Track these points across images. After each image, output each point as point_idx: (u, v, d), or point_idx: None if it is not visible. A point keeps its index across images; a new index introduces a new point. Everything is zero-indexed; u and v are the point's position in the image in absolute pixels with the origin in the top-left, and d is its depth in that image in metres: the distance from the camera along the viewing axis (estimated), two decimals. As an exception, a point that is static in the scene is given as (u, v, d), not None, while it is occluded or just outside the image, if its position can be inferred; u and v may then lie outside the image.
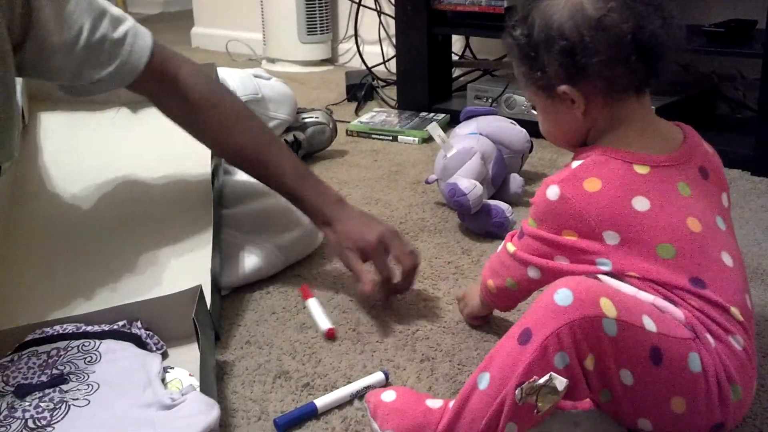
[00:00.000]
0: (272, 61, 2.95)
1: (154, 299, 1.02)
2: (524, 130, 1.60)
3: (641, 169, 0.85)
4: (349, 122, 2.10)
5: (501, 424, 0.77)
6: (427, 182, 1.55)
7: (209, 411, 0.83)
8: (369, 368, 1.01)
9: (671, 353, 0.76)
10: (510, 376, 0.76)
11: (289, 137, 1.78)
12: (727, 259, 0.84)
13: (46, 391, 0.87)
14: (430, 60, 2.14)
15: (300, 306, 1.17)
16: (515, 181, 1.55)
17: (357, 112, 2.27)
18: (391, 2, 2.59)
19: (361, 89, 2.36)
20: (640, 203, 0.83)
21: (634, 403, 0.79)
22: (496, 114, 1.66)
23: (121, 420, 0.84)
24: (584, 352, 0.76)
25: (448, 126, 1.98)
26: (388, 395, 0.87)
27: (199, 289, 0.99)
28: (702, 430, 0.80)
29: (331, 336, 1.09)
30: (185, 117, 1.17)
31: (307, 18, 2.80)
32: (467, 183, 1.39)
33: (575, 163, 0.88)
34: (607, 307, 0.76)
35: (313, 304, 1.16)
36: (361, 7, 2.73)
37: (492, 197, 1.49)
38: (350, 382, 0.98)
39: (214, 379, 0.96)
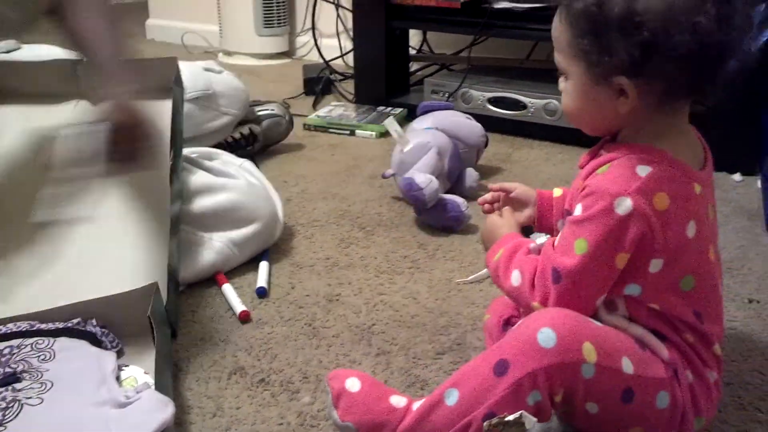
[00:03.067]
0: (229, 53, 2.92)
1: (110, 296, 1.01)
2: (480, 125, 1.62)
3: (697, 189, 0.79)
4: (306, 116, 2.10)
5: None
6: (383, 176, 1.56)
7: (164, 409, 0.83)
8: (325, 363, 1.02)
9: (642, 393, 0.78)
10: (480, 403, 0.77)
11: (245, 130, 1.77)
12: (720, 288, 0.85)
13: None
14: (387, 54, 2.15)
15: (256, 302, 1.18)
16: (470, 175, 1.57)
17: (314, 105, 2.26)
18: (348, -4, 2.59)
19: (318, 83, 2.36)
20: (691, 229, 0.78)
21: (592, 426, 0.81)
22: (452, 109, 1.68)
23: (75, 419, 0.83)
24: (557, 391, 0.77)
25: (405, 120, 1.99)
26: (353, 383, 0.84)
27: (155, 287, 0.99)
28: None
29: (245, 317, 1.12)
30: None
31: (264, 10, 2.78)
32: (423, 177, 1.40)
33: (642, 169, 0.76)
34: (589, 352, 0.75)
35: (228, 290, 1.18)
36: (318, 0, 2.73)
37: (448, 191, 1.50)
38: (306, 378, 0.99)
39: (170, 377, 0.96)
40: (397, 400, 0.84)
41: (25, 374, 0.89)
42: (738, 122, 1.63)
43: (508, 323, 0.98)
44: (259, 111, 1.82)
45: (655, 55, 0.72)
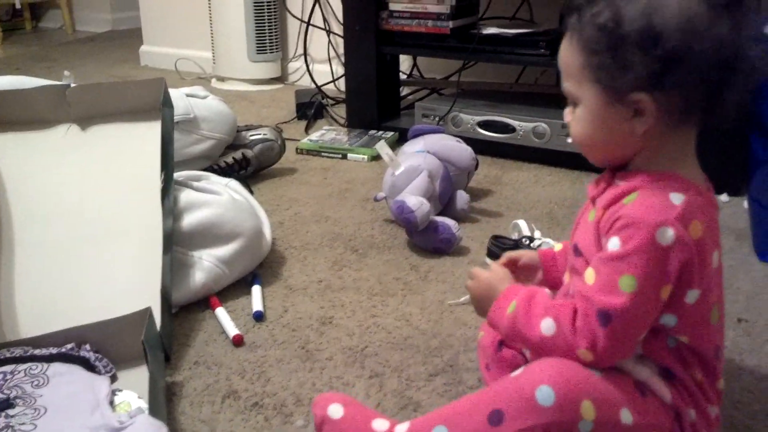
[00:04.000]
0: (222, 79, 2.95)
1: (103, 321, 1.02)
2: (470, 148, 1.64)
3: (717, 216, 0.79)
4: (299, 140, 2.11)
5: None
6: (375, 200, 1.58)
7: None
8: (318, 386, 1.03)
9: None
10: None
11: (238, 155, 1.79)
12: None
13: None
14: (378, 79, 2.17)
15: (249, 325, 1.18)
16: (461, 197, 1.58)
17: (307, 130, 2.28)
18: (339, 22, 2.62)
19: (310, 108, 2.38)
20: (716, 259, 0.77)
21: None
22: (443, 132, 1.69)
23: None
24: None
25: (397, 144, 2.01)
26: (336, 410, 0.85)
27: (148, 311, 1.00)
28: None
29: (238, 341, 1.12)
30: None
31: (257, 37, 2.81)
32: (415, 200, 1.42)
33: (676, 197, 0.74)
34: (587, 410, 0.74)
35: (221, 313, 1.19)
36: (310, 27, 2.76)
37: (439, 214, 1.52)
38: (299, 401, 0.99)
39: (164, 402, 0.97)
40: (380, 424, 0.84)
41: (18, 400, 0.89)
42: (725, 142, 1.65)
43: (503, 343, 0.97)
44: (252, 135, 1.84)
45: (674, 68, 0.71)
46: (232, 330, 1.14)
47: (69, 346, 0.99)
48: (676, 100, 0.74)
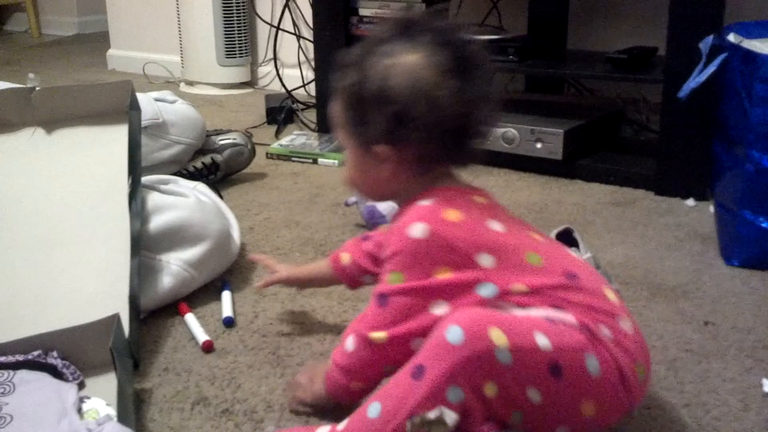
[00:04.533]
0: (190, 83, 2.93)
1: (71, 328, 1.00)
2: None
3: (479, 200, 0.90)
4: (269, 145, 2.10)
5: None
6: (346, 204, 1.58)
7: None
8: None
9: (569, 363, 0.79)
10: (401, 409, 0.79)
11: (207, 159, 1.77)
12: (576, 254, 0.91)
13: None
14: (348, 84, 2.17)
15: (219, 331, 1.17)
16: (432, 202, 1.58)
17: (277, 135, 2.27)
18: (309, 27, 2.61)
19: (280, 112, 2.37)
20: (495, 225, 0.87)
21: (547, 417, 0.82)
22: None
23: None
24: (480, 383, 0.78)
25: (367, 149, 2.01)
26: None
27: (116, 318, 0.98)
28: (618, 420, 0.84)
29: (208, 347, 1.12)
30: None
31: (226, 40, 2.80)
32: (385, 205, 1.42)
33: (423, 203, 0.87)
34: (498, 336, 0.77)
35: (191, 319, 1.18)
36: (279, 31, 2.75)
37: (410, 219, 1.52)
38: (270, 407, 0.98)
39: (132, 409, 0.95)
40: (321, 429, 0.86)
41: None
42: (690, 148, 1.68)
43: None
44: (221, 140, 1.83)
45: (404, 125, 0.84)
46: (202, 336, 1.13)
47: (36, 353, 0.98)
48: (413, 151, 0.86)
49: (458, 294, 0.84)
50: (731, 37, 1.43)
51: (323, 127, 2.23)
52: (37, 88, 1.37)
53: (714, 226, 1.50)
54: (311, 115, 2.34)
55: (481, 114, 0.86)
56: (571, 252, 0.93)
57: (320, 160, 2.02)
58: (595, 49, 2.11)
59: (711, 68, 1.45)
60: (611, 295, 0.86)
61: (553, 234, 1.27)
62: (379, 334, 0.86)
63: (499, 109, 0.88)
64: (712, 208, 1.55)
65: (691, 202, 1.70)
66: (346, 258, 1.11)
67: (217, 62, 2.82)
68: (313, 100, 2.34)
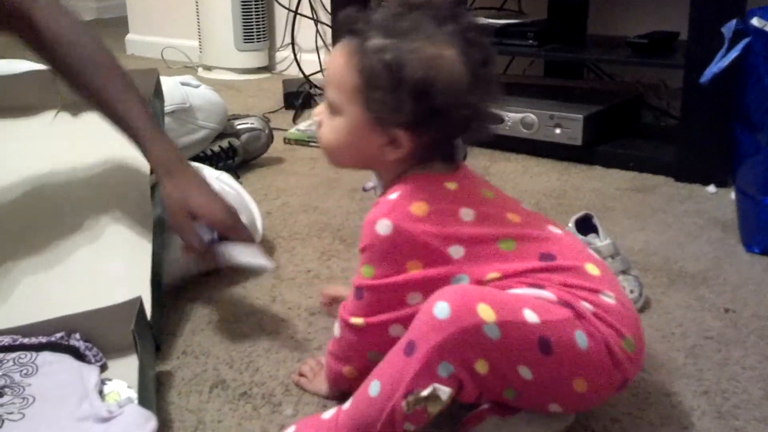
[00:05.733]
0: (208, 68, 2.93)
1: (94, 311, 1.01)
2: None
3: (451, 185, 0.87)
4: (286, 130, 2.11)
5: (397, 427, 0.81)
6: (364, 189, 1.56)
7: (146, 424, 0.83)
8: (307, 375, 1.03)
9: (558, 338, 0.79)
10: (398, 386, 0.79)
11: (224, 144, 1.78)
12: (555, 229, 0.89)
13: None
14: (366, 69, 2.16)
15: (241, 312, 1.18)
16: (450, 188, 1.58)
17: (294, 120, 2.27)
18: (327, 11, 2.61)
19: (298, 97, 2.37)
20: (467, 214, 0.85)
21: (539, 393, 0.82)
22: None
23: None
24: (471, 359, 0.78)
25: (385, 134, 2.01)
26: None
27: (139, 301, 0.99)
28: (610, 395, 0.85)
29: (270, 269, 1.11)
30: (45, 55, 1.16)
31: (244, 25, 2.80)
32: (403, 191, 1.41)
33: (391, 196, 0.86)
34: (485, 312, 0.77)
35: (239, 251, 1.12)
36: (298, 16, 2.74)
37: (428, 204, 1.51)
38: (288, 391, 0.99)
39: (153, 392, 0.96)
40: (327, 413, 0.87)
41: (6, 389, 0.89)
42: (711, 134, 1.66)
43: None
44: (239, 125, 1.83)
45: (434, 119, 0.82)
46: (260, 260, 1.08)
47: (59, 335, 0.99)
48: (426, 140, 0.85)
49: (433, 287, 0.82)
50: (755, 21, 1.40)
51: (341, 112, 2.23)
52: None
53: (735, 212, 1.48)
54: (329, 100, 2.33)
55: (492, 116, 0.87)
56: (560, 229, 0.90)
57: (338, 145, 2.01)
58: (616, 33, 2.08)
59: (734, 53, 1.43)
60: (594, 270, 0.85)
61: (572, 220, 1.26)
62: (357, 320, 0.89)
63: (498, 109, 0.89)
64: (733, 195, 1.53)
65: (711, 188, 1.68)
66: None
67: (235, 47, 2.82)
68: (331, 85, 2.34)
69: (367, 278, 0.87)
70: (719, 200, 1.63)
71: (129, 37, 3.40)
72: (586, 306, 0.81)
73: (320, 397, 0.97)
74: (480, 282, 0.83)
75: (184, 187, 1.08)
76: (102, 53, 1.16)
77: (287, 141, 2.06)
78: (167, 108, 1.56)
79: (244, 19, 2.79)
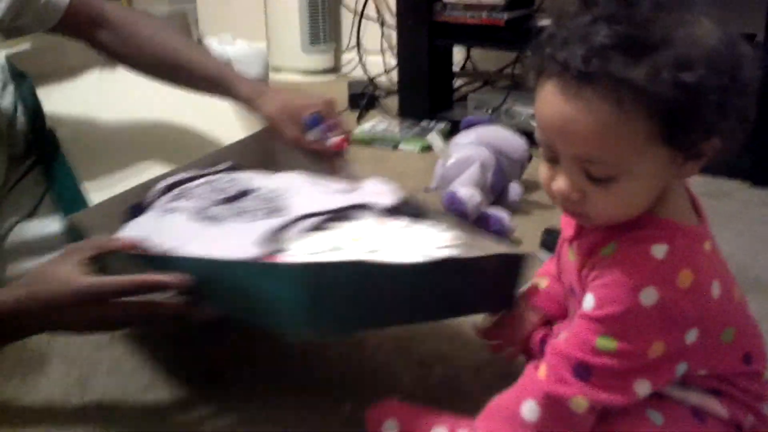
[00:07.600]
0: (276, 69, 2.96)
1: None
2: (524, 140, 1.62)
3: (707, 246, 0.73)
4: (351, 131, 2.11)
5: None
6: (426, 191, 1.56)
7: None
8: (367, 372, 1.03)
9: None
10: None
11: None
12: (750, 312, 0.78)
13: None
14: (431, 70, 2.15)
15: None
16: (514, 189, 1.56)
17: (359, 120, 2.28)
18: (393, 14, 2.61)
19: (363, 98, 2.38)
20: (716, 289, 0.71)
21: None
22: (495, 124, 1.67)
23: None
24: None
25: (449, 135, 2.00)
26: (390, 426, 0.84)
27: None
28: None
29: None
30: (113, 43, 1.23)
31: (311, 28, 2.82)
32: (466, 191, 1.40)
33: (658, 250, 0.68)
34: None
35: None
36: (363, 19, 2.75)
37: (491, 205, 1.50)
38: (346, 390, 0.99)
39: None
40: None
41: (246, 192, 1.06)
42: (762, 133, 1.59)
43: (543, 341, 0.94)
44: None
45: (739, 105, 0.67)
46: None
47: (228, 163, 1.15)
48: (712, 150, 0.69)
49: (663, 372, 0.71)
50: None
51: (405, 112, 2.22)
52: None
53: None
54: (393, 102, 2.33)
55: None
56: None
57: (401, 145, 2.01)
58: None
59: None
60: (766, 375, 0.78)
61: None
62: (581, 401, 0.71)
63: None
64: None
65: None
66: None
67: (302, 49, 2.85)
68: (395, 87, 2.34)
69: (607, 352, 0.70)
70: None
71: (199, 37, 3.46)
72: (749, 420, 0.76)
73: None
74: (691, 376, 0.73)
75: (282, 95, 1.20)
76: (164, 25, 1.29)
77: (352, 141, 2.07)
78: None
79: (311, 21, 2.81)
